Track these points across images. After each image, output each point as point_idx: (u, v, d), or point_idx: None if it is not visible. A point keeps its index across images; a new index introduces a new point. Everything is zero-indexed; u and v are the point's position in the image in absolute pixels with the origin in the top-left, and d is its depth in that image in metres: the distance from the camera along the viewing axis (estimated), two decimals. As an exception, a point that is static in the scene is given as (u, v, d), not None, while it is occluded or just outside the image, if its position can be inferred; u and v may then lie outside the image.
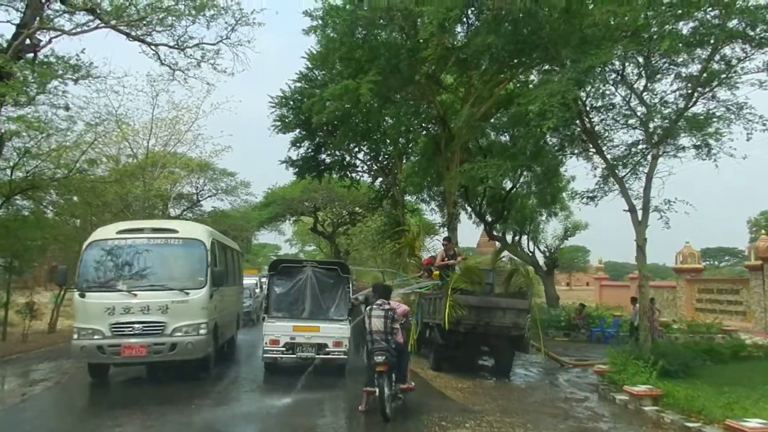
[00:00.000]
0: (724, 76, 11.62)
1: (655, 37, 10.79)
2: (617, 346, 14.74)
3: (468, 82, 15.92)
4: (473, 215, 23.69)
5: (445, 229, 19.80)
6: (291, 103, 19.57)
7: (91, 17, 13.81)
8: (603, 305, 27.42)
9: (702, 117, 11.36)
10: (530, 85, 16.42)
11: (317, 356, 10.55)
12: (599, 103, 12.94)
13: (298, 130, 20.67)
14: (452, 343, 11.64)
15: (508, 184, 22.26)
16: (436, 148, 17.85)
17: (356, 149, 22.97)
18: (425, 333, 13.31)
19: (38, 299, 19.95)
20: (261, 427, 7.88)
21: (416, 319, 13.41)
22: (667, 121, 11.80)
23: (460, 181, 15.60)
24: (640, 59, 11.69)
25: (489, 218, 23.68)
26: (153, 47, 15.68)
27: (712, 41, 10.93)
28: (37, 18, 13.36)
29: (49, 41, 14.21)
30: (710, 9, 10.63)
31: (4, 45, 13.53)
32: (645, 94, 12.25)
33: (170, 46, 15.75)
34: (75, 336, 9.56)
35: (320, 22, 14.79)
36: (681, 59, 11.83)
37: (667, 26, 10.48)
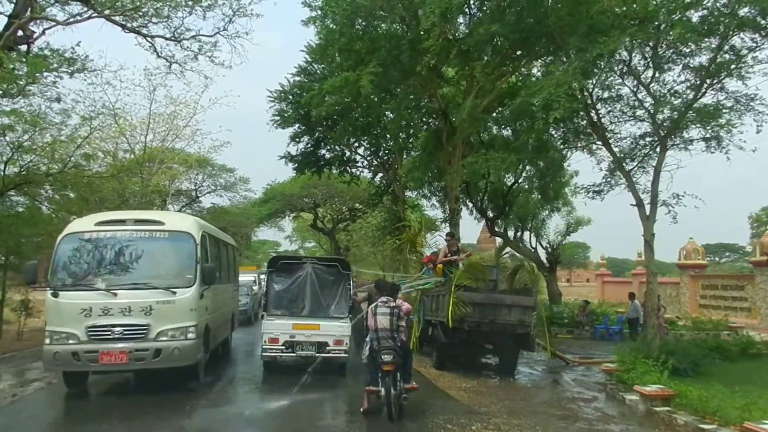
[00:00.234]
0: (734, 66, 11.32)
1: (663, 26, 10.51)
2: (623, 343, 14.56)
3: (470, 74, 15.60)
4: (474, 211, 23.47)
5: (447, 224, 19.54)
6: (290, 97, 19.38)
7: (84, 8, 13.48)
8: (606, 302, 27.17)
9: (712, 108, 11.05)
10: (533, 78, 16.16)
11: (317, 355, 10.30)
12: (606, 95, 12.62)
13: (297, 125, 20.48)
14: (456, 341, 11.37)
15: (510, 180, 22.03)
16: (437, 142, 17.55)
17: (356, 144, 22.77)
18: (427, 331, 13.03)
19: (34, 297, 19.65)
20: (260, 431, 7.60)
21: (418, 316, 13.14)
22: (676, 112, 11.48)
23: (462, 176, 15.27)
24: (648, 49, 11.37)
25: (490, 214, 23.42)
26: (149, 39, 15.40)
27: (721, 29, 10.62)
28: (29, 9, 13.03)
29: (43, 32, 13.91)
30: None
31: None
32: (652, 85, 11.95)
33: (167, 38, 15.48)
34: (47, 341, 8.47)
35: (319, 12, 14.48)
36: (689, 49, 11.53)
37: (676, 15, 10.20)
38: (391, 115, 18.56)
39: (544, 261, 25.31)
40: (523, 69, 16.58)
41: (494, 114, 17.87)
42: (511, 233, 25.01)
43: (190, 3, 14.45)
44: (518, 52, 14.56)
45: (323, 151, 22.33)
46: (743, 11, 10.35)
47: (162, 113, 23.24)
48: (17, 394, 9.23)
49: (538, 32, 11.78)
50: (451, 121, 16.72)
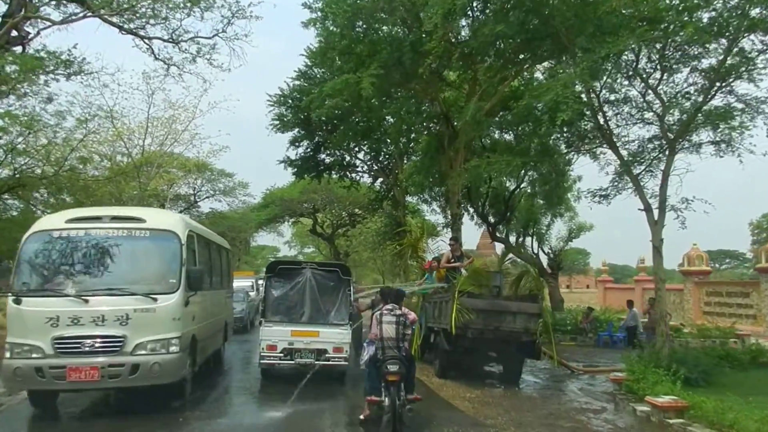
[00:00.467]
0: (743, 69, 11.07)
1: (671, 27, 10.27)
2: (625, 352, 14.26)
3: (472, 77, 15.38)
4: (475, 216, 23.21)
5: (448, 230, 19.31)
6: (290, 101, 19.23)
7: (80, 8, 13.24)
8: (611, 309, 26.85)
9: (723, 110, 10.79)
10: (535, 83, 15.95)
11: (317, 362, 9.97)
12: (613, 97, 12.37)
13: (297, 129, 20.34)
14: (459, 349, 11.04)
15: (512, 185, 21.82)
16: (439, 146, 17.32)
17: (356, 149, 22.56)
18: (429, 338, 12.74)
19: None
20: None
21: (419, 323, 12.83)
22: (685, 114, 11.23)
23: (465, 179, 15.01)
24: (656, 48, 11.12)
25: (492, 219, 23.17)
26: (146, 41, 15.18)
27: (731, 30, 10.38)
28: (23, 8, 12.79)
29: (38, 33, 13.72)
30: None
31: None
32: (660, 87, 11.70)
33: (164, 40, 15.29)
34: (7, 354, 7.41)
35: (319, 14, 14.25)
36: (698, 51, 11.31)
37: (686, 15, 9.96)
38: (391, 119, 18.35)
39: (546, 267, 25.05)
40: (525, 73, 16.38)
41: (497, 118, 17.66)
42: (512, 239, 24.76)
43: (188, 4, 14.22)
44: (521, 56, 14.35)
45: (323, 156, 22.15)
46: (754, 12, 10.10)
47: (160, 117, 23.09)
48: (4, 403, 8.70)
49: (543, 33, 11.54)
50: (453, 125, 16.50)
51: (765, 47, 10.94)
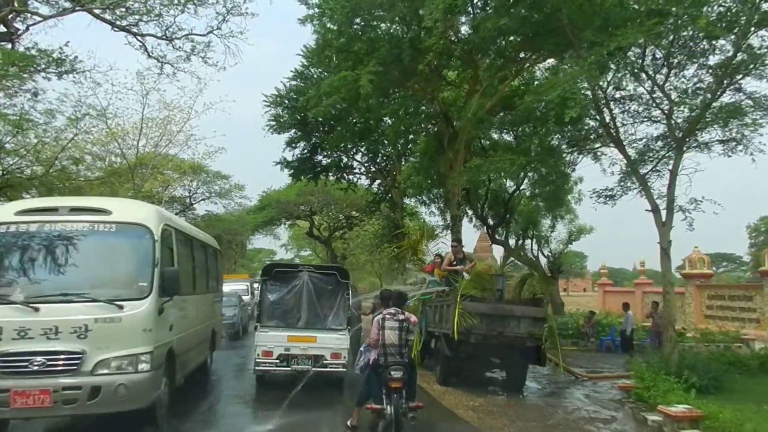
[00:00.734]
0: (752, 66, 10.77)
1: (680, 21, 9.97)
2: (628, 356, 13.92)
3: (473, 75, 15.05)
4: (474, 218, 22.90)
5: (448, 232, 18.98)
6: (286, 102, 19.00)
7: (69, 3, 12.88)
8: (611, 312, 26.52)
9: (734, 107, 10.49)
10: (536, 83, 15.67)
11: (314, 369, 9.57)
12: (618, 95, 12.07)
13: (293, 130, 20.07)
14: (461, 355, 10.65)
15: (511, 186, 21.54)
16: (438, 147, 16.99)
17: (354, 150, 22.30)
18: (430, 343, 12.35)
19: None
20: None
21: (419, 328, 12.45)
22: (694, 112, 10.92)
23: (466, 180, 14.67)
24: (663, 45, 10.82)
25: (491, 221, 22.85)
26: (139, 38, 14.84)
27: (742, 24, 10.08)
28: (11, 3, 12.42)
29: (27, 29, 13.32)
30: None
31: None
32: (668, 85, 11.39)
33: (158, 37, 14.96)
34: None
35: (316, 11, 13.91)
36: (704, 48, 11.02)
37: (695, 8, 9.65)
38: (389, 121, 18.04)
39: (546, 270, 24.72)
40: (525, 73, 16.07)
41: (497, 118, 17.36)
42: (512, 241, 24.46)
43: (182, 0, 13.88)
44: (522, 54, 14.05)
45: (320, 157, 21.93)
46: (766, 5, 9.80)
47: (155, 118, 22.71)
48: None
49: (547, 27, 11.21)
50: (452, 125, 16.17)
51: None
